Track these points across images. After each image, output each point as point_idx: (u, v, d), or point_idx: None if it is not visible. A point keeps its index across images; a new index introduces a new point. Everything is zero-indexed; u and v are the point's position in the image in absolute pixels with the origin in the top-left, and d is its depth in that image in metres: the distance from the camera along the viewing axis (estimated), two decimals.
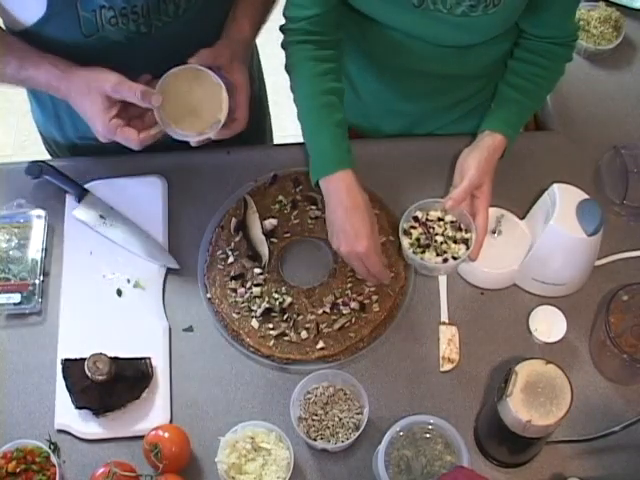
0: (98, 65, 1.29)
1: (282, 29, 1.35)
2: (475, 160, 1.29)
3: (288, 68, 1.35)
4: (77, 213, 1.45)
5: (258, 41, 1.50)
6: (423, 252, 1.29)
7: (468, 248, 1.28)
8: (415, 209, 1.30)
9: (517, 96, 1.34)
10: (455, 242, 1.29)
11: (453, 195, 1.27)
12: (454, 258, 1.27)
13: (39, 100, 1.55)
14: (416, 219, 1.30)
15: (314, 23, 1.31)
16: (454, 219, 1.30)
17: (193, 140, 1.31)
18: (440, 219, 1.30)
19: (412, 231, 1.30)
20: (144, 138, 1.28)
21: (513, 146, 1.36)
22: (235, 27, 1.37)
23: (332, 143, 1.29)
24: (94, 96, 1.27)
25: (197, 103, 1.29)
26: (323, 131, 1.29)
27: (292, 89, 1.34)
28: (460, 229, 1.30)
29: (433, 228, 1.30)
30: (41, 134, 1.66)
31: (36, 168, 1.47)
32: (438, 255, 1.28)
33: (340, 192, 1.27)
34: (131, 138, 1.27)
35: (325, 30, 1.33)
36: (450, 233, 1.29)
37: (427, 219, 1.30)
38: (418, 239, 1.29)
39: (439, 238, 1.29)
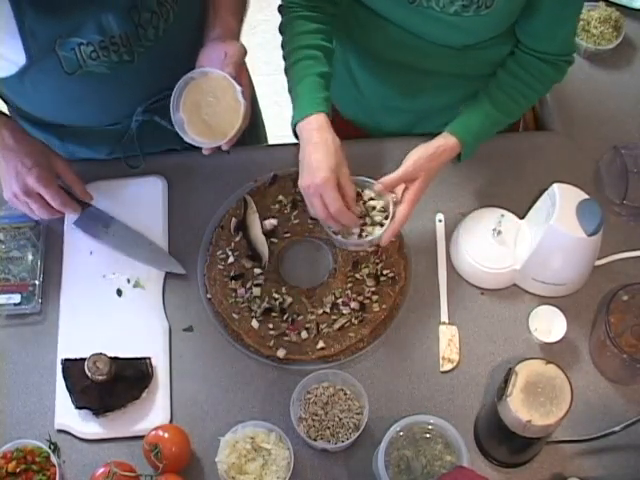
0: (86, 99, 1.34)
1: None
2: (417, 154, 1.29)
3: (281, 28, 1.37)
4: (77, 225, 1.45)
5: (258, 41, 1.50)
6: None
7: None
8: None
9: (487, 106, 1.34)
10: (373, 224, 1.28)
11: (383, 180, 1.27)
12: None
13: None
14: None
15: None
16: (384, 203, 1.30)
17: (204, 147, 1.31)
18: (372, 199, 1.29)
19: None
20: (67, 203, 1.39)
21: (474, 152, 1.35)
22: (223, 25, 1.35)
23: (310, 90, 1.30)
24: (45, 156, 1.37)
25: (215, 115, 1.28)
26: (303, 80, 1.31)
27: (282, 46, 1.36)
28: (383, 213, 1.29)
29: (362, 203, 1.29)
30: None
31: None
32: (353, 233, 1.27)
33: (311, 131, 1.26)
34: (60, 197, 1.37)
35: (320, 4, 1.35)
36: (372, 214, 1.28)
37: (358, 193, 1.29)
38: None
39: (359, 216, 1.27)
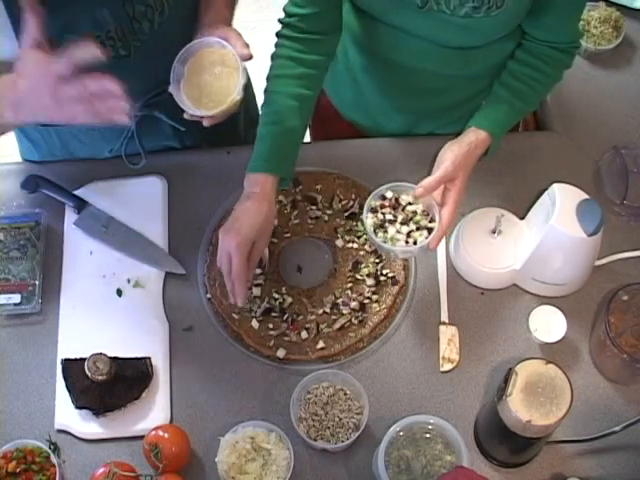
0: None
1: (279, 20, 1.35)
2: (453, 153, 1.28)
3: (272, 57, 1.36)
4: (77, 225, 1.44)
5: (258, 41, 1.50)
6: (385, 232, 1.27)
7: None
8: (386, 189, 1.30)
9: (509, 97, 1.35)
10: (419, 229, 1.27)
11: (424, 183, 1.26)
12: (414, 243, 1.27)
13: (33, 141, 1.53)
14: (385, 198, 1.29)
15: (308, 22, 1.31)
16: (423, 207, 1.29)
17: (187, 112, 1.27)
18: (410, 203, 1.29)
19: (379, 210, 1.29)
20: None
21: (500, 145, 1.35)
22: (216, 12, 1.33)
23: (272, 146, 1.29)
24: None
25: (210, 87, 1.26)
26: (271, 131, 1.30)
27: (267, 79, 1.34)
28: (427, 217, 1.29)
29: (401, 209, 1.28)
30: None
31: (32, 183, 1.45)
32: (398, 239, 1.26)
33: (252, 192, 1.27)
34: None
35: (319, 30, 1.33)
36: (416, 218, 1.27)
37: (396, 199, 1.29)
38: (383, 219, 1.28)
39: (403, 222, 1.27)
